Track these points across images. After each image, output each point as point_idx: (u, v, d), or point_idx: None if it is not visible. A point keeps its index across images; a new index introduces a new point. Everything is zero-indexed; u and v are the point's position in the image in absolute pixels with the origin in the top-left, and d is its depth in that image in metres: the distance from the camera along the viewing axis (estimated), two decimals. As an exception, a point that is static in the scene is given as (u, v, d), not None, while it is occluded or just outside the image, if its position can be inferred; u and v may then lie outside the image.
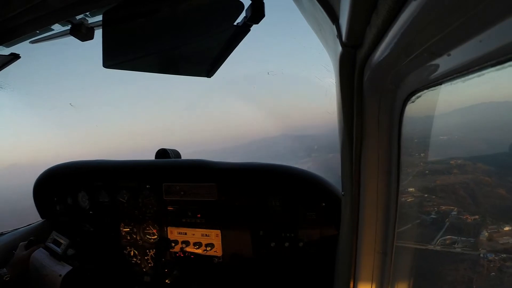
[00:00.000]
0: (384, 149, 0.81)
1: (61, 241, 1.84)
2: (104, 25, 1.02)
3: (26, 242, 1.87)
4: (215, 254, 1.84)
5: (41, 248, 1.83)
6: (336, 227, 1.32)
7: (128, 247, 2.01)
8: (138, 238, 1.99)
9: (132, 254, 2.01)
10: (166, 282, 1.91)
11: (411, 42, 0.52)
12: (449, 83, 0.57)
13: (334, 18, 0.73)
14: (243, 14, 1.00)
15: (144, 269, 2.00)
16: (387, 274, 0.95)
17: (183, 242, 1.89)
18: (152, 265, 1.98)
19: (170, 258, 1.94)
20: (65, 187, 2.11)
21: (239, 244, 1.80)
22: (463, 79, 0.52)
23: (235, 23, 1.04)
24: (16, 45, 1.32)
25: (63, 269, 1.69)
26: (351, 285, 1.03)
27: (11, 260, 1.79)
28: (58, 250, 1.80)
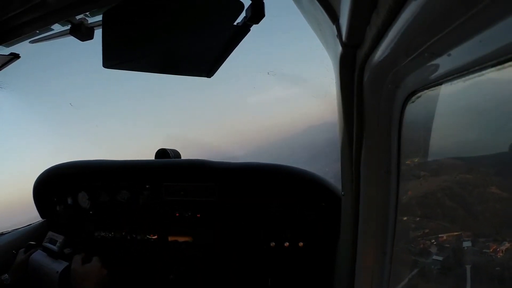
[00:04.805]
0: (384, 149, 0.81)
1: (57, 239, 1.84)
2: (104, 25, 1.02)
3: (24, 248, 1.88)
4: (215, 254, 1.84)
5: (39, 250, 1.83)
6: (336, 227, 1.32)
7: (128, 247, 2.01)
8: (138, 238, 1.99)
9: (132, 254, 2.01)
10: (166, 282, 1.91)
11: (411, 42, 0.52)
12: (449, 83, 0.57)
13: (334, 18, 0.73)
14: (243, 14, 1.00)
15: (144, 269, 2.00)
16: (387, 274, 0.95)
17: (183, 242, 1.89)
18: (151, 265, 1.98)
19: (170, 258, 1.94)
20: (65, 187, 2.11)
21: (239, 244, 1.80)
22: (463, 79, 0.52)
23: (235, 23, 1.04)
24: (16, 45, 1.32)
25: (60, 266, 1.69)
26: (351, 284, 1.03)
27: (12, 266, 1.80)
28: (54, 248, 1.80)
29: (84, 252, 1.79)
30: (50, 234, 1.91)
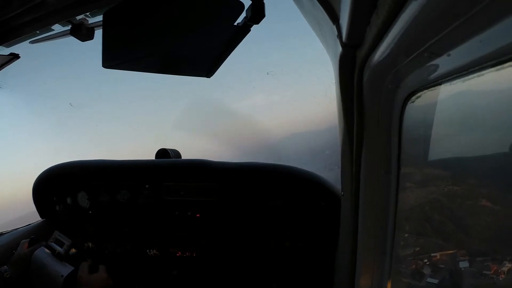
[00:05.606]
0: (384, 149, 0.81)
1: (64, 241, 1.84)
2: (105, 25, 1.02)
3: (28, 240, 1.87)
4: (215, 253, 1.84)
5: (42, 247, 1.82)
6: (336, 227, 1.32)
7: (127, 247, 2.01)
8: (137, 238, 1.99)
9: (131, 254, 2.01)
10: (166, 282, 1.91)
11: (411, 42, 0.52)
12: (449, 83, 0.57)
13: (334, 18, 0.73)
14: (243, 14, 1.01)
15: (143, 269, 2.00)
16: (387, 274, 0.95)
17: (183, 242, 1.89)
18: (151, 265, 1.98)
19: (170, 258, 1.94)
20: (64, 187, 2.11)
21: (239, 243, 1.80)
22: (463, 79, 0.52)
23: (235, 23, 1.04)
24: (16, 45, 1.32)
25: (65, 269, 1.69)
26: (351, 284, 1.03)
27: (12, 258, 1.78)
28: (61, 250, 1.80)
29: (89, 258, 1.79)
30: (57, 234, 1.90)
